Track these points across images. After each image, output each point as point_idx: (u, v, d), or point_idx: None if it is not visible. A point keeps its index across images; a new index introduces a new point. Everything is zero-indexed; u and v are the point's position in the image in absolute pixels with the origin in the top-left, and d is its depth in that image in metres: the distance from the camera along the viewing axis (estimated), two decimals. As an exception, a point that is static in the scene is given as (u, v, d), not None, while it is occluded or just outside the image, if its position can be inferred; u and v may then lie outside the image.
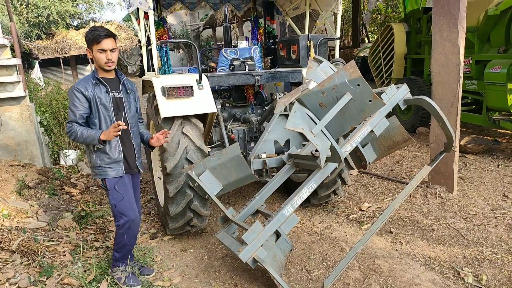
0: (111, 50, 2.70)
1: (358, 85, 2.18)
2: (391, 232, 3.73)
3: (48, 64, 24.41)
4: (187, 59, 19.53)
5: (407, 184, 4.77)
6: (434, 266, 3.13)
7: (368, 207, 4.32)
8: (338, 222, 4.04)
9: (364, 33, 13.79)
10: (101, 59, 2.70)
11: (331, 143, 2.36)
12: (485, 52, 6.04)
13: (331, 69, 3.19)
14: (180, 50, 19.93)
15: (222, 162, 2.80)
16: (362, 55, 10.70)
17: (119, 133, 2.57)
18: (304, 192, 2.67)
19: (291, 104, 2.42)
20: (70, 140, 2.77)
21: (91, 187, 5.26)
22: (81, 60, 26.45)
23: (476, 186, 4.63)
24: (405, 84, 2.99)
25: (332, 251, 3.45)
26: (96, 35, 2.64)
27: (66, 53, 24.80)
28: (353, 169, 3.80)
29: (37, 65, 20.70)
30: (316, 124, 2.38)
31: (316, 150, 3.07)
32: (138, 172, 3.01)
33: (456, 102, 4.16)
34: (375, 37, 8.55)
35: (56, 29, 24.21)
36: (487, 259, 3.15)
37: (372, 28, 16.82)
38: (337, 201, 4.54)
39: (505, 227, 3.63)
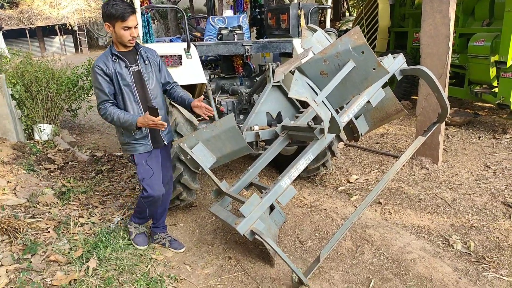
0: (134, 27, 2.59)
1: (363, 52, 2.11)
2: (380, 203, 3.77)
3: (13, 36, 23.07)
4: (163, 31, 18.83)
5: (393, 156, 4.85)
6: (423, 235, 3.20)
7: (356, 179, 4.36)
8: (327, 194, 4.06)
9: (346, 6, 13.65)
10: (125, 37, 2.58)
11: (331, 113, 2.30)
12: (469, 25, 6.07)
13: (325, 39, 3.10)
14: (155, 21, 19.16)
15: (216, 134, 2.70)
16: (345, 28, 10.61)
17: (158, 127, 2.54)
18: (301, 164, 2.62)
19: (291, 72, 2.32)
20: (107, 121, 2.64)
21: (70, 162, 5.05)
22: (48, 31, 25.13)
23: (460, 157, 4.73)
24: (402, 54, 2.94)
25: (323, 222, 3.46)
26: (121, 12, 2.49)
27: (32, 24, 23.47)
28: (342, 141, 3.79)
29: (0, 36, 19.49)
30: (317, 93, 2.31)
31: (314, 119, 3.02)
32: (166, 145, 2.92)
33: (445, 74, 4.17)
34: (359, 10, 8.45)
35: (21, -3, 22.76)
36: (474, 226, 3.24)
37: (352, 2, 16.68)
38: (325, 173, 4.55)
39: (489, 196, 3.74)
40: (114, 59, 2.63)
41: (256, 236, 2.46)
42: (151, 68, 2.78)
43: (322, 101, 2.23)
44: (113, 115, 2.59)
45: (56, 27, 24.21)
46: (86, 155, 5.38)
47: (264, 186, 2.93)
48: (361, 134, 3.23)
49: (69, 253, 3.00)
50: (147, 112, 2.53)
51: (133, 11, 2.55)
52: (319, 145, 2.68)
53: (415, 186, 4.07)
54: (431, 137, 4.48)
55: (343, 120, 2.72)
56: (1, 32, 20.14)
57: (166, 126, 2.58)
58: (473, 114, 6.15)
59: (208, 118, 2.86)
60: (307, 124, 2.75)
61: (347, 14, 13.11)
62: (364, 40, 2.09)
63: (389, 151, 5.09)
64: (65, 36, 26.24)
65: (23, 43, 22.93)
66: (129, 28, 2.55)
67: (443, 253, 2.93)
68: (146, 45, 3.39)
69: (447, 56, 4.13)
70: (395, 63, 2.88)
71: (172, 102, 3.20)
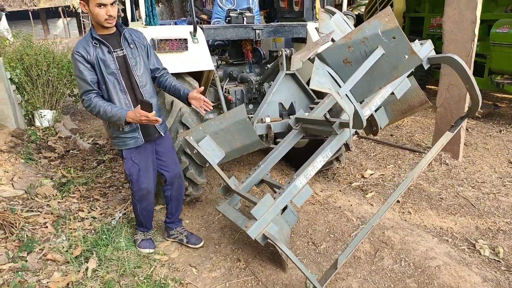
0: (111, 4, 2.29)
1: (394, 37, 1.84)
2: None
3: (16, 17, 22.76)
4: (167, 14, 18.40)
5: (410, 150, 4.59)
6: (447, 238, 2.97)
7: (371, 174, 4.11)
8: (340, 191, 3.83)
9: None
10: (100, 15, 2.29)
11: (354, 107, 2.05)
12: (491, 11, 5.72)
13: (345, 22, 2.82)
14: (160, 4, 18.72)
15: (225, 127, 2.47)
16: (357, 13, 10.20)
17: (152, 123, 2.30)
18: (318, 161, 2.39)
19: (310, 60, 2.07)
20: (92, 114, 2.36)
21: (71, 151, 4.85)
22: (52, 13, 24.77)
23: (481, 152, 4.47)
24: (430, 40, 2.67)
25: (338, 221, 3.24)
26: None
27: (35, 5, 23.12)
28: (357, 134, 3.54)
29: (3, 17, 19.18)
30: (337, 83, 2.05)
31: (330, 111, 2.77)
32: (161, 136, 2.67)
33: (469, 63, 3.87)
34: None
35: (24, -23, 22.34)
36: (501, 230, 3.01)
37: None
38: (338, 167, 4.31)
39: (515, 196, 3.49)
40: (94, 43, 2.35)
41: (269, 241, 2.25)
42: (138, 52, 2.50)
43: (346, 94, 1.98)
44: (98, 107, 2.33)
45: (60, 9, 23.83)
46: (88, 143, 5.18)
47: (276, 183, 2.71)
48: (381, 127, 2.98)
49: (67, 251, 2.82)
50: (138, 106, 2.28)
51: None
52: (338, 140, 2.44)
53: (435, 183, 3.83)
54: (452, 131, 4.21)
55: (365, 113, 2.48)
56: (4, 13, 19.82)
57: (160, 121, 2.32)
58: (492, 106, 5.85)
59: (204, 113, 2.58)
60: (324, 117, 2.50)
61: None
62: (396, 23, 1.83)
63: (405, 144, 4.83)
64: (68, 19, 25.86)
65: (26, 26, 22.59)
66: (104, 5, 2.26)
67: (470, 259, 2.70)
68: (150, 27, 3.14)
69: (472, 43, 3.83)
70: (423, 51, 2.62)
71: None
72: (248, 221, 2.29)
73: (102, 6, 2.26)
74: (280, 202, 2.29)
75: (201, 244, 2.93)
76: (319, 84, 1.74)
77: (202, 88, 2.61)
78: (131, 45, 2.48)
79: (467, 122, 5.45)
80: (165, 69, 2.69)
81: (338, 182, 4.01)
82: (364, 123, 2.21)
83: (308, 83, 3.41)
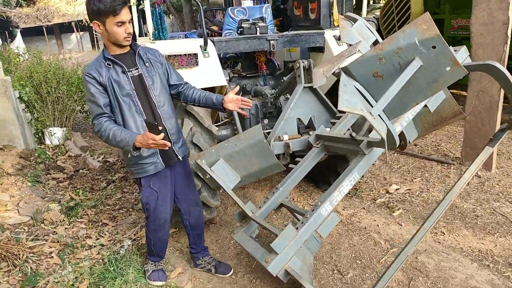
0: (129, 22, 2.14)
1: (434, 47, 1.60)
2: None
3: (31, 34, 23.17)
4: (178, 25, 18.41)
5: (438, 161, 4.28)
6: (487, 263, 2.67)
7: (396, 189, 3.83)
8: (364, 208, 3.55)
9: (369, -7, 12.87)
10: (120, 34, 2.13)
11: (387, 126, 1.80)
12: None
13: (368, 30, 2.58)
14: (170, 15, 18.76)
15: (240, 149, 2.24)
16: (372, 16, 9.92)
17: (160, 147, 2.04)
18: (345, 186, 2.14)
19: (334, 75, 1.83)
20: (102, 140, 2.15)
21: (80, 171, 4.69)
22: (66, 28, 25.15)
23: (515, 162, 4.14)
24: (464, 46, 2.40)
25: (364, 245, 2.97)
26: (111, 5, 2.04)
27: (49, 21, 23.49)
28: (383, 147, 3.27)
29: (19, 35, 19.47)
30: (367, 100, 1.81)
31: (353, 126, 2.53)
32: (179, 160, 2.44)
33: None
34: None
35: (37, -6, 22.77)
36: (550, 253, 2.70)
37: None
38: (360, 182, 4.04)
39: (560, 212, 3.17)
40: (108, 64, 2.17)
41: (292, 277, 2.00)
42: (155, 71, 2.31)
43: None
44: (108, 131, 2.12)
45: (73, 23, 24.18)
46: (98, 161, 5.02)
47: (297, 209, 2.47)
48: (409, 142, 2.72)
49: (73, 285, 2.62)
50: (147, 129, 2.08)
51: (125, 2, 2.09)
52: (366, 162, 2.19)
53: (467, 198, 3.52)
54: (484, 140, 3.90)
55: (396, 129, 2.22)
56: (19, 30, 20.16)
57: (169, 145, 2.07)
58: (522, 110, 5.48)
59: (246, 114, 2.35)
60: (350, 135, 2.26)
61: (371, 1, 12.38)
62: (436, 30, 1.58)
63: (431, 154, 4.53)
64: (81, 33, 26.20)
65: (41, 41, 22.96)
66: (123, 23, 2.10)
67: (517, 289, 2.40)
68: (158, 42, 2.96)
69: (505, 46, 3.54)
70: (458, 58, 2.35)
71: (187, 109, 2.75)
72: (268, 255, 2.05)
73: (120, 24, 2.10)
74: (304, 234, 2.04)
75: (230, 273, 2.73)
76: (349, 105, 1.50)
77: (238, 87, 2.41)
78: (147, 64, 2.30)
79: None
80: (187, 83, 2.50)
81: (361, 199, 3.74)
82: (398, 143, 1.96)
83: (327, 94, 3.18)
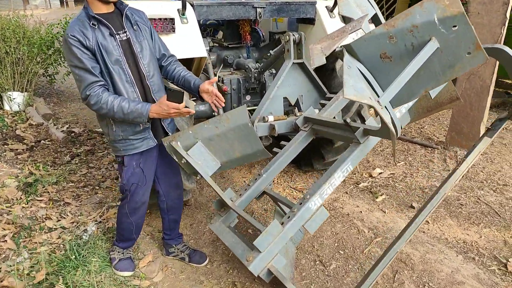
0: None
1: (455, 26, 1.37)
2: (413, 207, 3.14)
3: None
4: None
5: (422, 145, 4.17)
6: (473, 255, 2.59)
7: (380, 173, 3.70)
8: (347, 192, 3.41)
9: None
10: None
11: (390, 115, 1.58)
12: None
13: (368, 3, 2.31)
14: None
15: (222, 132, 1.98)
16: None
17: (182, 115, 1.89)
18: (337, 177, 1.94)
19: (336, 53, 1.57)
20: (101, 113, 1.90)
21: (42, 141, 4.29)
22: (31, -19, 23.26)
23: (498, 148, 4.08)
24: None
25: (347, 233, 2.83)
26: None
27: (12, -28, 21.58)
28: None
29: (-24, -15, 17.82)
30: (371, 86, 1.58)
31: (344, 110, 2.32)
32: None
33: (496, 51, 3.41)
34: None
35: None
36: (534, 246, 2.64)
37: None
38: (342, 164, 3.87)
39: (543, 203, 3.13)
40: (93, 24, 1.84)
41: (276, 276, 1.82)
42: (143, 36, 2.01)
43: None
44: (111, 104, 1.84)
45: (39, -23, 22.38)
46: (62, 131, 4.62)
47: (281, 198, 2.26)
48: (401, 127, 2.53)
49: (28, 274, 2.34)
50: (164, 97, 1.84)
51: None
52: (361, 151, 1.98)
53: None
54: (470, 126, 3.81)
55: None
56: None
57: (194, 112, 1.90)
58: (505, 94, 5.44)
59: (216, 110, 2.12)
60: (344, 121, 2.03)
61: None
62: (461, 7, 1.34)
63: (414, 137, 4.42)
64: (49, -12, 24.37)
65: (3, -6, 21.17)
66: None
67: (503, 284, 2.33)
68: (130, 2, 2.58)
69: (502, 28, 3.36)
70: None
71: (169, 83, 2.43)
72: (250, 252, 1.85)
73: None
74: (290, 230, 1.84)
75: (206, 263, 2.52)
76: (357, 93, 1.26)
77: (215, 78, 2.14)
78: (135, 27, 1.98)
79: (479, 112, 5.05)
80: (173, 56, 2.21)
81: (344, 182, 3.58)
82: (399, 132, 1.76)
83: (316, 71, 2.92)
